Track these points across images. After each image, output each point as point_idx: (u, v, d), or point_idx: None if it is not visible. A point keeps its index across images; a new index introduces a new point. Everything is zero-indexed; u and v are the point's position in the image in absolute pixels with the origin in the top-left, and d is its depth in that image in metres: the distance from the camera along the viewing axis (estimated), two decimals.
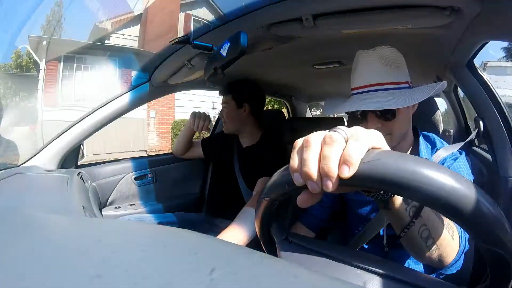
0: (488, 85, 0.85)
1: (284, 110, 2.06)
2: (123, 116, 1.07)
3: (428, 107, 0.92)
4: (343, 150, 0.28)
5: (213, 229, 1.21)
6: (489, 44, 0.74)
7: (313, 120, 2.03)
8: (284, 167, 0.34)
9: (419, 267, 0.69)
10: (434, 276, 0.60)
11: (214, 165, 1.52)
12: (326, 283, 0.21)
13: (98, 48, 6.86)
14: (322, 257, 0.36)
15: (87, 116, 1.01)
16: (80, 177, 0.93)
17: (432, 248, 0.43)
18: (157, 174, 1.35)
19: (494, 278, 0.28)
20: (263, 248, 0.44)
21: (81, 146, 1.09)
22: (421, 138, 0.72)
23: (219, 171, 1.47)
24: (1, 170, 0.83)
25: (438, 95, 1.49)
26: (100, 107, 1.02)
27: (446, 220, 0.45)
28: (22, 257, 0.24)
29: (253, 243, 0.83)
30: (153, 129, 7.74)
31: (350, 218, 0.82)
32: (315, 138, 0.30)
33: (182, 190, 1.45)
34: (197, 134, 1.30)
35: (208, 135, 1.55)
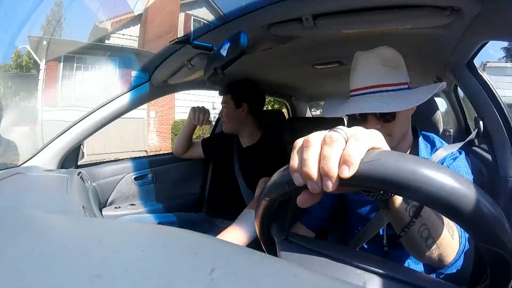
0: (488, 85, 0.85)
1: (284, 110, 2.06)
2: (123, 116, 1.08)
3: (428, 107, 0.92)
4: (343, 150, 0.28)
5: (213, 229, 1.21)
6: (489, 44, 0.74)
7: (313, 120, 2.03)
8: (284, 167, 0.34)
9: (419, 267, 0.69)
10: (434, 276, 0.60)
11: (214, 165, 1.52)
12: (326, 283, 0.21)
13: (98, 48, 6.86)
14: (322, 257, 0.36)
15: (87, 116, 1.01)
16: (80, 177, 0.93)
17: (432, 248, 0.43)
18: (157, 174, 1.35)
19: (494, 278, 0.28)
20: (263, 248, 0.44)
21: (81, 146, 1.09)
22: (420, 138, 0.72)
23: (219, 171, 1.47)
24: (1, 170, 0.83)
25: (438, 95, 1.49)
26: (100, 107, 1.02)
27: (446, 220, 0.45)
28: (22, 257, 0.24)
29: (253, 243, 0.83)
30: (153, 129, 7.74)
31: (350, 218, 0.82)
32: (315, 138, 0.30)
33: (182, 190, 1.45)
34: (197, 133, 1.30)
35: (209, 131, 1.56)
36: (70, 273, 0.21)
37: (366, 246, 0.73)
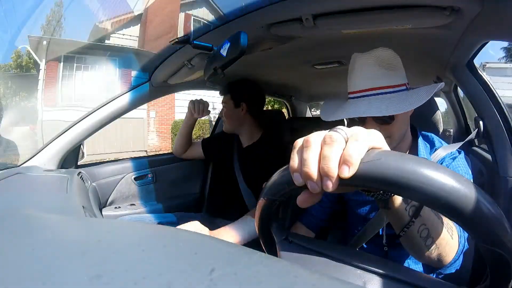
0: (488, 85, 0.85)
1: (284, 110, 2.06)
2: (123, 116, 1.08)
3: (428, 107, 0.92)
4: (343, 150, 0.28)
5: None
6: (489, 44, 0.74)
7: (313, 120, 2.03)
8: (284, 167, 0.34)
9: (418, 266, 0.69)
10: (434, 276, 0.60)
11: (214, 165, 1.52)
12: (326, 283, 0.21)
13: (98, 48, 6.86)
14: (322, 257, 0.36)
15: (87, 116, 1.01)
16: (80, 177, 0.93)
17: (432, 248, 0.43)
18: (157, 174, 1.35)
19: (494, 278, 0.28)
20: (263, 248, 0.44)
21: (81, 146, 1.09)
22: (420, 138, 0.72)
23: (219, 171, 1.47)
24: (1, 170, 0.83)
25: (438, 95, 1.49)
26: (100, 107, 1.02)
27: (446, 220, 0.45)
28: (22, 257, 0.24)
29: (253, 243, 0.83)
30: (153, 129, 7.73)
31: (350, 218, 0.82)
32: (315, 138, 0.30)
33: (182, 190, 1.45)
34: (197, 133, 1.30)
35: (209, 131, 1.56)
36: (70, 273, 0.21)
37: (365, 246, 0.73)
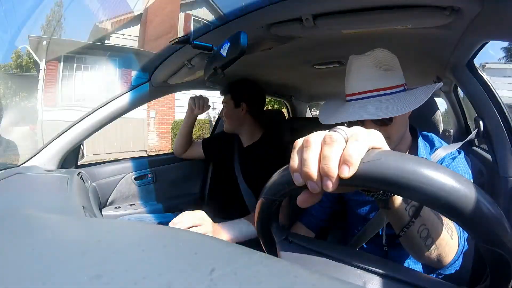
0: (488, 85, 0.85)
1: (284, 110, 2.06)
2: (123, 116, 1.08)
3: (428, 107, 0.92)
4: (343, 150, 0.28)
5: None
6: (489, 44, 0.74)
7: (313, 120, 2.03)
8: (284, 167, 0.34)
9: (418, 266, 0.69)
10: (433, 276, 0.60)
11: (214, 165, 1.52)
12: (326, 283, 0.21)
13: (98, 48, 6.86)
14: (322, 257, 0.36)
15: (87, 116, 1.01)
16: (80, 177, 0.93)
17: (431, 248, 0.43)
18: (157, 174, 1.35)
19: (494, 278, 0.28)
20: (263, 248, 0.44)
21: (81, 146, 1.09)
22: (420, 138, 0.72)
23: (219, 171, 1.47)
24: (1, 170, 0.83)
25: (438, 95, 1.49)
26: (100, 107, 1.02)
27: (445, 220, 0.45)
28: (22, 257, 0.24)
29: (253, 243, 0.83)
30: (153, 129, 7.74)
31: (350, 218, 0.82)
32: (315, 138, 0.30)
33: (182, 190, 1.45)
34: (197, 133, 1.31)
35: (209, 131, 1.57)
36: (70, 273, 0.21)
37: (365, 246, 0.73)
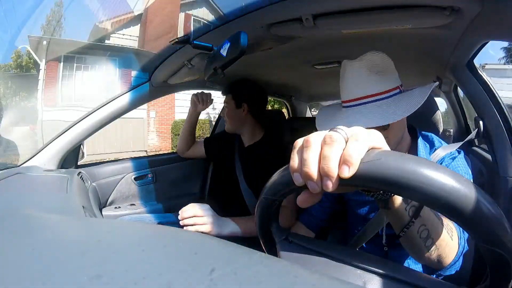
0: (488, 85, 0.85)
1: (284, 110, 2.06)
2: (123, 116, 1.08)
3: (428, 107, 0.92)
4: (343, 150, 0.28)
5: None
6: (489, 44, 0.74)
7: (313, 120, 2.03)
8: (284, 167, 0.34)
9: (418, 267, 0.69)
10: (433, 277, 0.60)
11: (215, 165, 1.52)
12: (326, 283, 0.21)
13: (98, 48, 6.85)
14: (322, 257, 0.36)
15: (87, 116, 1.01)
16: (80, 177, 0.93)
17: (431, 249, 0.43)
18: (157, 174, 1.35)
19: (494, 278, 0.28)
20: (263, 248, 0.44)
21: (81, 146, 1.09)
22: (419, 139, 0.72)
23: (219, 171, 1.47)
24: (1, 170, 0.83)
25: (438, 95, 1.49)
26: (100, 107, 1.02)
27: (446, 221, 0.45)
28: (22, 257, 0.24)
29: (253, 243, 0.83)
30: (153, 129, 7.73)
31: (350, 218, 0.82)
32: (315, 138, 0.30)
33: (182, 190, 1.45)
34: (197, 133, 1.31)
35: (209, 131, 1.57)
36: (70, 273, 0.21)
37: (365, 246, 0.73)
